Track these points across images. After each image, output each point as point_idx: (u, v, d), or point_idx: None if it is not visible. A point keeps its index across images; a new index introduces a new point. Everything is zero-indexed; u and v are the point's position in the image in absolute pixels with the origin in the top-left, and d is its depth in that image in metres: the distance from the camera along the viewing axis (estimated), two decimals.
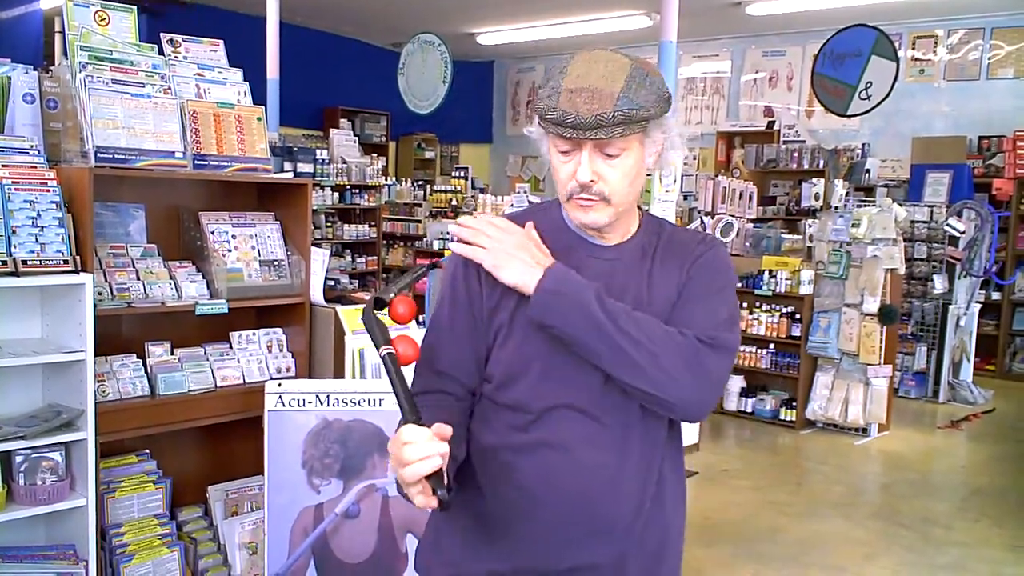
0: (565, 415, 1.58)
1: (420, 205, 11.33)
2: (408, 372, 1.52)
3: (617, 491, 1.58)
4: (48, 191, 2.79)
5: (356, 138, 10.75)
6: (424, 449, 1.34)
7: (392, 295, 1.62)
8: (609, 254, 1.66)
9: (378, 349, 1.52)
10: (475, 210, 8.86)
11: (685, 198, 9.75)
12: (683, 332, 1.54)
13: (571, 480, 1.56)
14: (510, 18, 11.57)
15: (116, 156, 2.91)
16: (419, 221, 10.99)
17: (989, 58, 10.16)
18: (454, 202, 10.24)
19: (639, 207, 1.72)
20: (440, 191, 10.51)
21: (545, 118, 1.52)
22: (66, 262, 2.76)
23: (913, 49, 10.63)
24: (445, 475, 1.37)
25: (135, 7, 3.34)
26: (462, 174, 10.83)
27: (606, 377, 1.55)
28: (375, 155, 11.05)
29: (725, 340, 1.58)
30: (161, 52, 3.32)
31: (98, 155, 2.87)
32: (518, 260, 1.55)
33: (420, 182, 12.23)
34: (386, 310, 1.61)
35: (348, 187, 9.91)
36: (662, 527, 1.70)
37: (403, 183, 11.87)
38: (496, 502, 1.61)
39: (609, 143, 1.51)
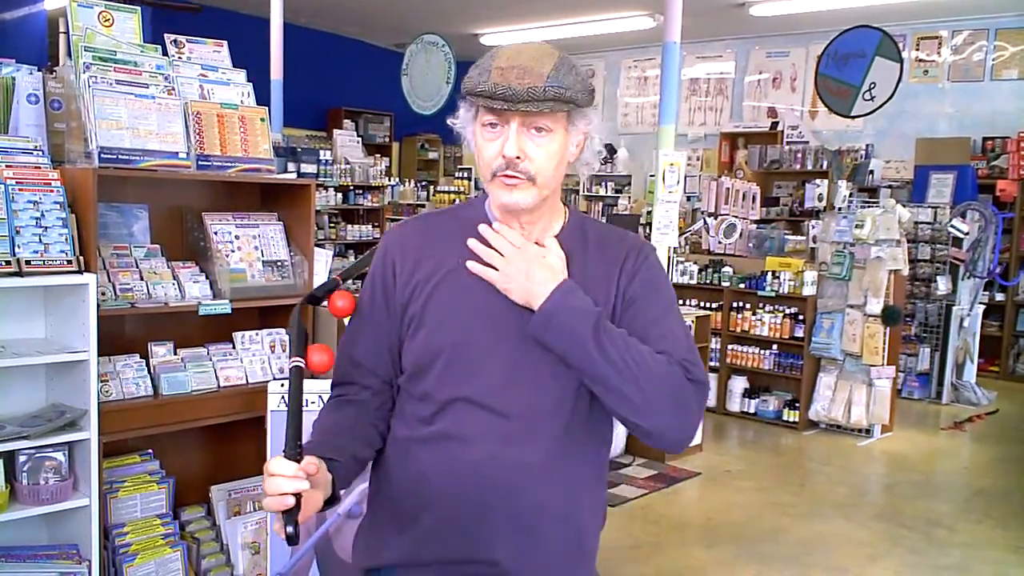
0: (464, 408, 1.58)
1: (423, 206, 11.33)
2: None
3: (518, 487, 1.57)
4: (52, 191, 2.80)
5: (359, 139, 10.75)
6: (282, 485, 1.39)
7: (326, 291, 1.69)
8: None
9: (290, 358, 1.61)
10: None
11: (688, 199, 9.76)
12: (671, 360, 1.55)
13: (469, 473, 1.57)
14: (514, 19, 11.58)
15: (120, 157, 2.91)
16: None
17: (993, 59, 10.15)
18: (457, 203, 10.23)
19: (564, 204, 1.74)
20: (443, 192, 10.52)
21: (475, 92, 1.53)
22: (70, 262, 2.76)
23: (917, 50, 10.62)
24: (297, 511, 1.41)
25: (139, 8, 3.34)
26: (465, 175, 10.84)
27: (512, 374, 1.58)
28: (378, 156, 11.05)
29: (702, 373, 1.60)
30: (165, 53, 3.33)
31: (102, 156, 2.87)
32: (526, 280, 1.57)
33: (423, 183, 12.24)
34: (325, 303, 1.67)
35: (351, 188, 9.92)
36: (575, 528, 1.65)
37: (406, 184, 11.87)
38: (405, 493, 1.65)
39: (537, 119, 1.53)
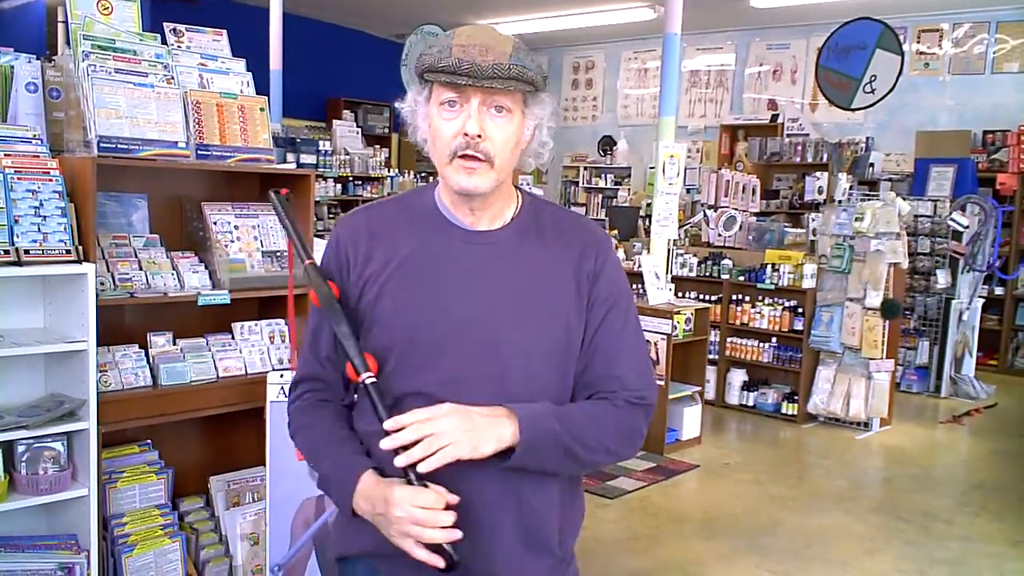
0: (418, 402, 1.55)
1: None
2: None
3: (473, 480, 1.54)
4: (51, 180, 2.78)
5: (359, 129, 10.74)
6: (442, 518, 1.45)
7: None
8: (482, 240, 1.64)
9: (304, 260, 1.68)
10: None
11: (688, 191, 9.75)
12: (622, 404, 1.61)
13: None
14: (514, 10, 11.55)
15: (119, 146, 2.90)
16: None
17: (994, 52, 10.13)
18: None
19: (517, 188, 1.71)
20: None
21: (436, 68, 1.50)
22: (68, 252, 2.75)
23: (918, 43, 10.60)
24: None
25: None
26: None
27: (466, 367, 1.57)
28: (378, 146, 11.03)
29: (652, 394, 1.67)
30: (164, 41, 3.31)
31: (101, 145, 2.86)
32: (483, 432, 1.49)
33: (423, 174, 12.21)
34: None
35: (351, 178, 9.91)
36: (535, 520, 1.62)
37: (406, 175, 11.84)
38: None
39: (498, 97, 1.51)
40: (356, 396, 1.72)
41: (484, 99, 1.51)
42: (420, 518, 1.45)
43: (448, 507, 1.46)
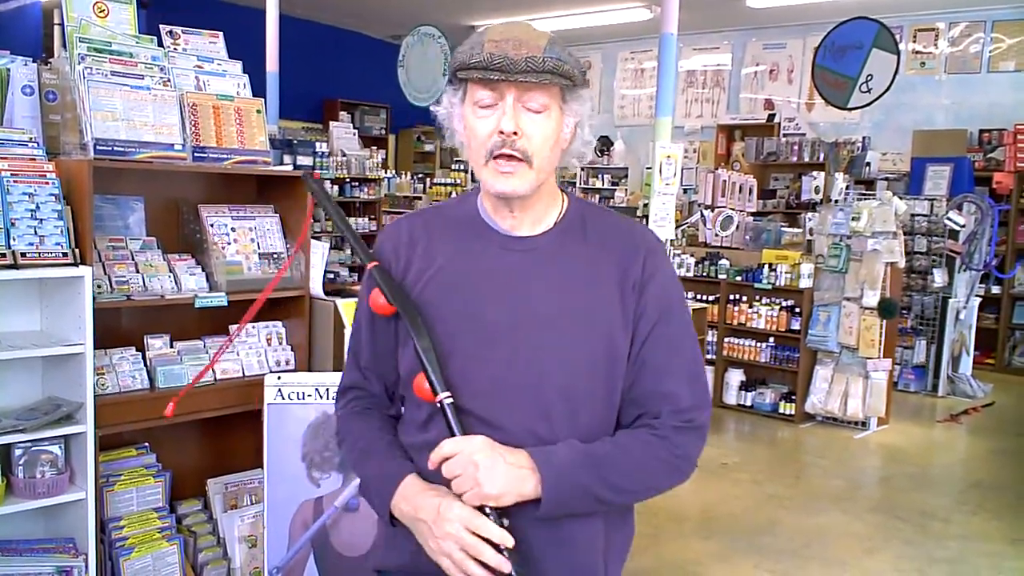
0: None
1: (420, 198, 11.33)
2: None
3: (511, 513, 1.46)
4: (47, 183, 2.78)
5: (356, 131, 10.73)
6: (488, 555, 1.42)
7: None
8: (522, 246, 1.57)
9: (367, 264, 1.62)
10: None
11: (685, 191, 9.75)
12: (669, 431, 1.52)
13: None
14: (511, 10, 11.55)
15: (115, 148, 2.90)
16: None
17: (990, 51, 10.15)
18: (453, 195, 10.22)
19: (563, 191, 1.64)
20: (440, 184, 10.52)
21: (469, 66, 1.44)
22: (65, 254, 2.75)
23: (914, 42, 10.61)
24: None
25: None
26: (462, 167, 10.83)
27: (499, 381, 1.50)
28: (375, 148, 11.03)
29: (705, 416, 1.58)
30: (160, 44, 3.31)
31: (97, 147, 2.86)
32: (503, 477, 1.44)
33: (420, 175, 12.24)
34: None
35: (348, 180, 9.90)
36: (578, 546, 1.56)
37: (403, 176, 11.87)
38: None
39: (534, 93, 1.46)
40: (403, 407, 1.67)
41: (519, 95, 1.46)
42: (469, 544, 1.42)
43: (499, 548, 1.42)
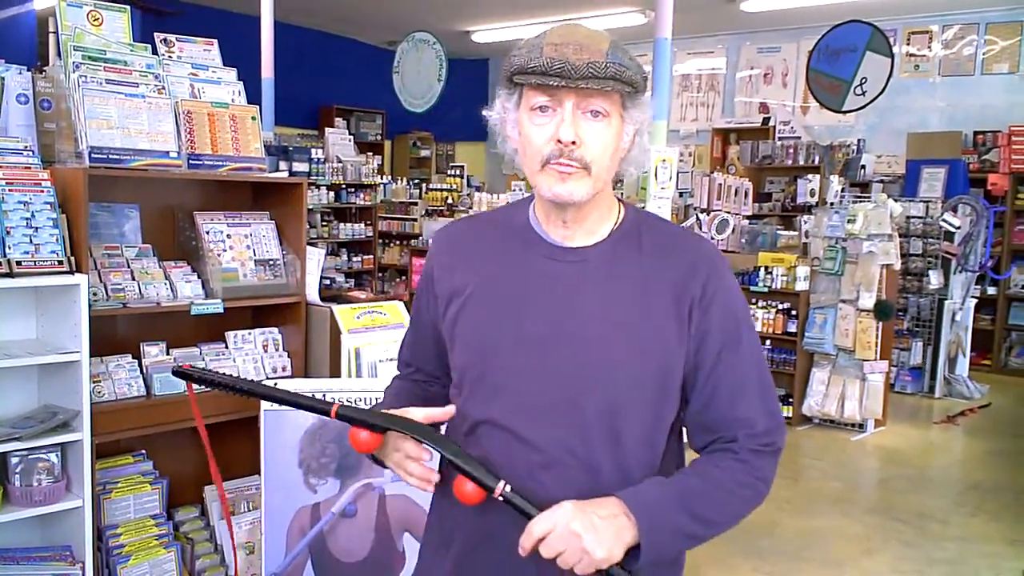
0: (489, 431, 1.49)
1: (416, 204, 11.32)
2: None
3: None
4: (42, 192, 2.78)
5: (351, 137, 10.74)
6: (410, 467, 1.50)
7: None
8: (571, 256, 1.50)
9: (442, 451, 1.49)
10: (471, 208, 8.84)
11: (681, 195, 9.75)
12: (747, 455, 1.46)
13: (491, 504, 1.44)
14: (505, 16, 11.57)
15: (110, 156, 2.90)
16: (415, 220, 10.99)
17: (984, 53, 10.17)
18: (450, 200, 10.23)
19: (620, 201, 1.56)
20: (436, 189, 10.48)
21: (526, 70, 1.38)
22: (61, 263, 2.75)
23: (908, 44, 10.64)
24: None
25: (128, 7, 3.33)
26: (458, 172, 10.81)
27: (540, 399, 1.45)
28: (370, 154, 11.03)
29: (781, 436, 1.51)
30: (155, 52, 3.31)
31: (92, 155, 2.86)
32: (607, 535, 1.35)
33: (416, 180, 12.23)
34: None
35: (343, 186, 9.90)
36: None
37: (399, 182, 11.86)
38: (444, 515, 1.61)
39: (595, 100, 1.39)
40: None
41: (579, 102, 1.39)
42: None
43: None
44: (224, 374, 1.59)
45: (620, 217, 1.54)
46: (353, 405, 1.54)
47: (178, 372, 1.68)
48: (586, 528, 1.33)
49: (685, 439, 1.62)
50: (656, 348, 1.45)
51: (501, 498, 1.39)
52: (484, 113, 1.53)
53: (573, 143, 1.39)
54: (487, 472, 1.41)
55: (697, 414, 1.51)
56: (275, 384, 3.08)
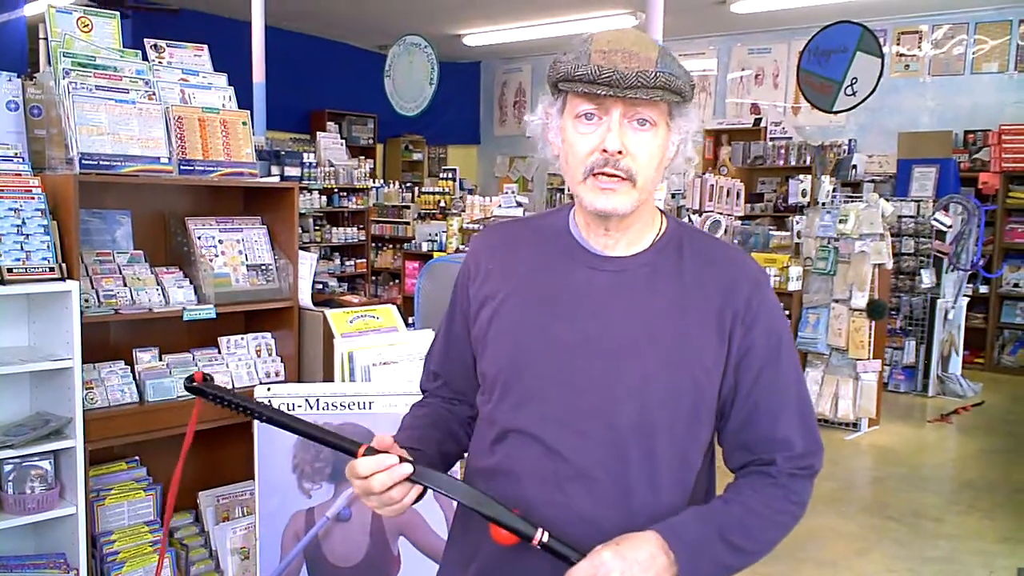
0: (518, 440, 1.45)
1: (408, 207, 11.33)
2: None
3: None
4: (33, 199, 2.78)
5: (343, 141, 10.74)
6: (383, 480, 1.34)
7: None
8: (611, 266, 1.47)
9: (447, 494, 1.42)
10: (463, 211, 8.85)
11: (673, 196, 9.78)
12: (785, 479, 1.45)
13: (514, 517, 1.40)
14: (496, 19, 11.58)
15: (101, 162, 2.90)
16: (408, 223, 10.99)
17: (973, 52, 10.21)
18: (442, 204, 10.24)
19: (661, 212, 1.54)
20: (428, 193, 10.51)
21: (573, 77, 1.34)
22: (52, 269, 2.75)
23: (898, 45, 10.67)
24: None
25: (118, 12, 3.33)
26: (450, 175, 10.83)
27: (570, 409, 1.42)
28: (362, 158, 11.04)
29: (820, 462, 1.49)
30: (145, 58, 3.31)
31: (83, 162, 2.86)
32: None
33: (408, 184, 12.24)
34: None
35: (336, 190, 9.91)
36: None
37: (391, 185, 11.86)
38: (468, 524, 1.56)
39: (642, 109, 1.35)
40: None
41: (626, 111, 1.36)
42: (369, 488, 1.35)
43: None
44: (241, 395, 1.46)
45: (662, 228, 1.51)
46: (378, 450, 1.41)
47: (192, 388, 1.45)
48: (626, 570, 1.29)
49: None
50: (693, 362, 1.43)
51: (539, 546, 1.34)
52: (525, 119, 1.50)
53: (620, 153, 1.36)
54: (526, 522, 1.35)
55: (735, 433, 1.48)
56: (269, 387, 3.08)
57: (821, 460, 1.49)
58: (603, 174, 1.37)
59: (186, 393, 3.13)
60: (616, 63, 1.32)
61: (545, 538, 1.34)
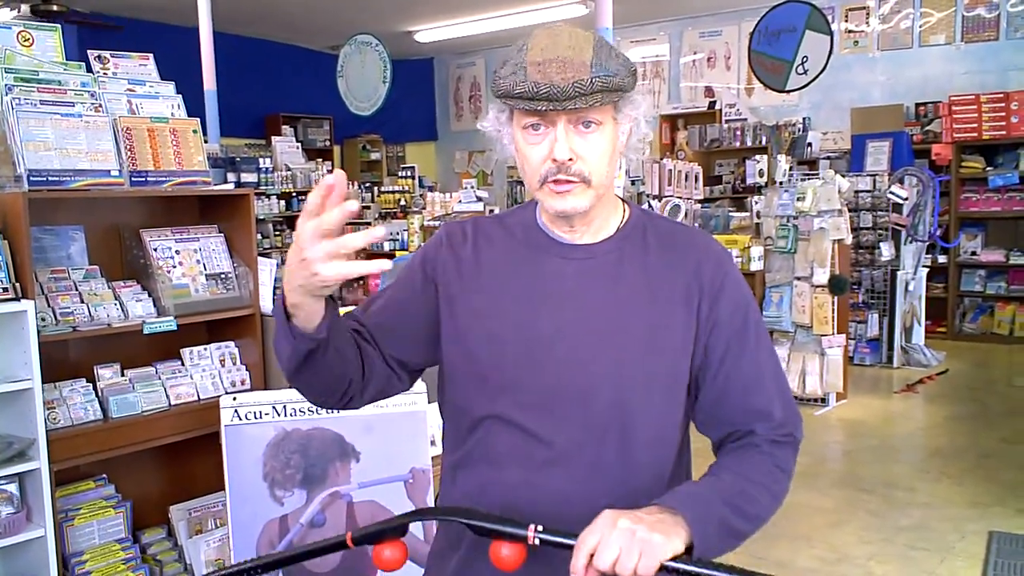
0: (494, 426, 1.46)
1: (369, 207, 11.27)
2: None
3: (556, 523, 1.32)
4: None
5: (299, 144, 10.68)
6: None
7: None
8: (579, 254, 1.50)
9: None
10: (424, 208, 8.82)
11: (632, 183, 9.81)
12: (767, 447, 1.46)
13: (498, 501, 1.42)
14: (446, 14, 11.54)
15: (50, 178, 2.85)
16: (368, 223, 10.93)
17: (920, 26, 10.32)
18: (403, 202, 10.19)
19: (623, 200, 1.57)
20: (388, 192, 10.45)
21: (513, 95, 1.35)
22: (5, 290, 2.70)
23: (846, 21, 10.76)
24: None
25: (59, 24, 3.27)
26: (409, 173, 10.78)
27: (550, 393, 1.43)
28: (320, 160, 10.98)
29: (799, 427, 1.52)
30: (89, 69, 3.26)
31: (31, 178, 2.81)
32: (656, 525, 1.25)
33: (367, 184, 12.17)
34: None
35: (294, 194, 9.85)
36: None
37: (350, 186, 11.79)
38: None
39: (586, 114, 1.37)
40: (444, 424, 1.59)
41: (570, 117, 1.37)
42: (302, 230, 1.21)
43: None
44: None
45: (626, 216, 1.54)
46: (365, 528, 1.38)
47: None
48: (635, 521, 1.24)
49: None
50: (665, 342, 1.46)
51: (537, 541, 1.28)
52: (479, 126, 1.51)
53: (570, 160, 1.38)
54: (513, 523, 1.30)
55: (711, 407, 1.51)
56: (234, 397, 3.05)
57: (801, 430, 1.52)
58: (556, 181, 1.39)
59: (151, 408, 3.11)
60: (552, 76, 1.32)
61: (540, 530, 1.29)
